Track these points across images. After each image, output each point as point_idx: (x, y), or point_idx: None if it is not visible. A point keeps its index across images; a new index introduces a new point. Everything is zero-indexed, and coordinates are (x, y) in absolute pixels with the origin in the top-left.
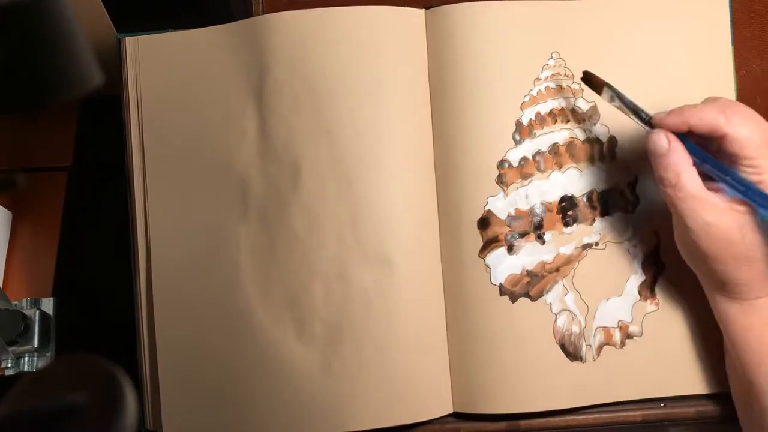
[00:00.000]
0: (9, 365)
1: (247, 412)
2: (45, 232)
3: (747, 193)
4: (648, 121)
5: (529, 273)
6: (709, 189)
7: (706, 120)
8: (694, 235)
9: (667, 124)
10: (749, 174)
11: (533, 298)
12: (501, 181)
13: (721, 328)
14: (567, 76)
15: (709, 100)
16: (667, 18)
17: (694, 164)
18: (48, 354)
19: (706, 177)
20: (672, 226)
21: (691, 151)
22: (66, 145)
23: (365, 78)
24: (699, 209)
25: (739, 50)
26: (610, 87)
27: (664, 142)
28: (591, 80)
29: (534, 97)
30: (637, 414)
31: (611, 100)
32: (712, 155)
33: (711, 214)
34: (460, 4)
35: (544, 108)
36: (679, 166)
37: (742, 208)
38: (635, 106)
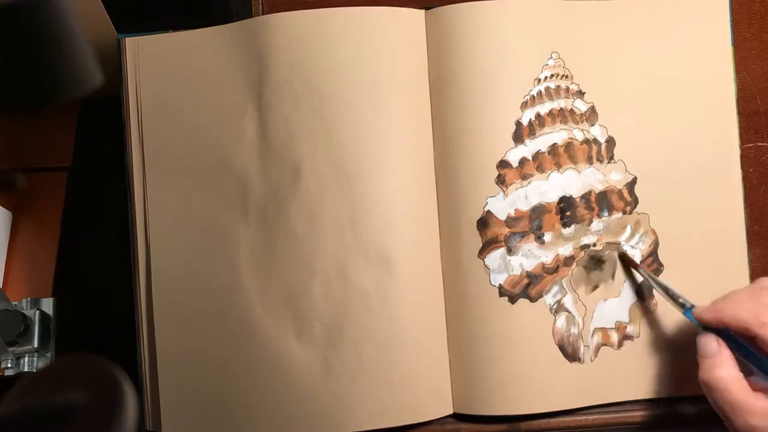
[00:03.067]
0: (9, 365)
1: (246, 412)
2: (45, 232)
3: None
4: (687, 310)
5: (528, 274)
6: (754, 389)
7: (740, 321)
8: None
9: (702, 319)
10: None
11: (533, 299)
12: (500, 181)
13: None
14: (566, 77)
15: (746, 293)
16: (667, 18)
17: (739, 359)
18: (48, 354)
19: (748, 371)
20: (672, 227)
21: (736, 347)
22: (66, 145)
23: (365, 78)
24: (745, 414)
25: (739, 50)
26: (644, 271)
27: (713, 344)
28: (626, 260)
29: (534, 97)
30: (637, 414)
31: (649, 281)
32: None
33: (757, 420)
34: (459, 5)
35: (544, 108)
36: (725, 370)
37: None
38: (673, 292)
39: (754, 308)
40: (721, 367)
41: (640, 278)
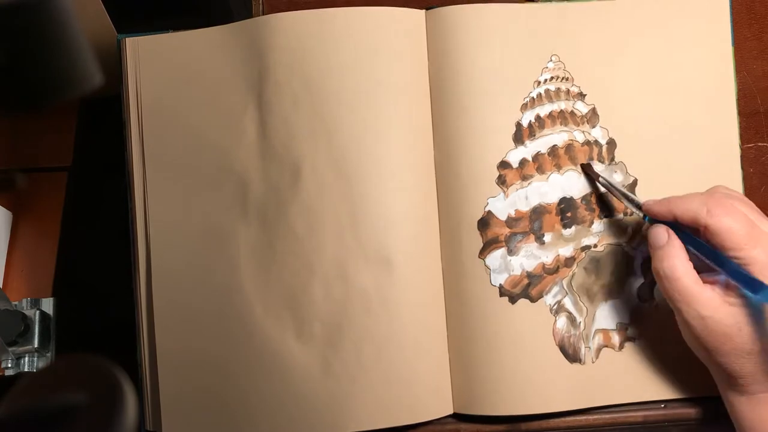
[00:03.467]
0: (9, 365)
1: (246, 412)
2: (45, 232)
3: (739, 279)
4: (640, 209)
5: (528, 274)
6: (705, 282)
7: (690, 211)
8: (693, 329)
9: (653, 212)
10: (735, 260)
11: (533, 300)
12: (501, 182)
13: (733, 421)
14: (566, 79)
15: (699, 193)
16: (667, 19)
17: (691, 255)
18: (48, 354)
19: (703, 269)
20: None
21: (687, 240)
22: (66, 145)
23: (365, 78)
24: (694, 303)
25: (739, 50)
26: (602, 178)
27: (663, 234)
28: (588, 170)
29: (533, 99)
30: (638, 415)
31: (607, 188)
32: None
33: (706, 308)
34: (460, 6)
35: (544, 110)
36: (675, 260)
37: (737, 300)
38: (627, 194)
39: (704, 200)
40: (672, 257)
41: (602, 189)
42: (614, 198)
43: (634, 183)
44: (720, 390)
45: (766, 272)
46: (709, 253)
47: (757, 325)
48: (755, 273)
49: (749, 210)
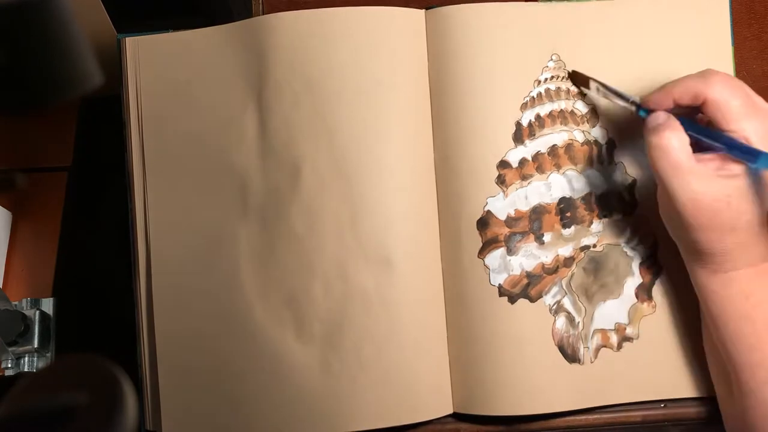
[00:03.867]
0: (9, 365)
1: (246, 412)
2: (45, 232)
3: (737, 149)
4: (637, 105)
5: (528, 274)
6: (698, 160)
7: (688, 89)
8: (681, 205)
9: (653, 100)
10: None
11: (533, 300)
12: (501, 181)
13: (701, 301)
14: (566, 78)
15: (693, 74)
16: (667, 18)
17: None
18: (48, 354)
19: (694, 149)
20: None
21: (685, 124)
22: (66, 145)
23: (365, 78)
24: (687, 176)
25: (739, 50)
26: (594, 80)
27: (661, 115)
28: (577, 78)
29: (533, 98)
30: (637, 414)
31: (597, 91)
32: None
33: (699, 183)
34: (460, 5)
35: (544, 110)
36: (671, 132)
37: (730, 174)
38: (621, 93)
39: (700, 76)
40: (670, 130)
41: (594, 91)
42: (613, 200)
43: (633, 183)
44: (689, 270)
45: (765, 143)
46: (706, 133)
47: (746, 199)
48: (754, 144)
49: (745, 85)
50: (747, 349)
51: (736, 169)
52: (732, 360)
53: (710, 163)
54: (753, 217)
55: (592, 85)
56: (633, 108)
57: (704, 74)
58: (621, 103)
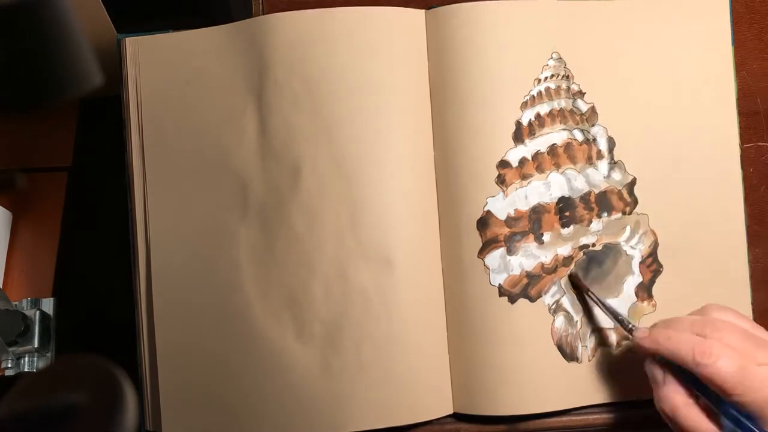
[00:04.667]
0: (9, 365)
1: (246, 412)
2: (45, 232)
3: (741, 427)
4: (630, 330)
5: (527, 274)
6: (710, 416)
7: (677, 357)
8: None
9: (641, 347)
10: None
11: (532, 299)
12: (500, 181)
13: None
14: (567, 77)
15: (687, 324)
16: (667, 18)
17: (693, 393)
18: (48, 354)
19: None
20: (672, 227)
21: (688, 380)
22: (66, 145)
23: (365, 78)
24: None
25: (739, 50)
26: (592, 294)
27: (659, 374)
28: (576, 282)
29: (534, 97)
30: (637, 414)
31: (592, 301)
32: None
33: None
34: (460, 5)
35: (544, 109)
36: (674, 401)
37: None
38: (617, 314)
39: (690, 343)
40: (670, 399)
41: (589, 302)
42: (613, 199)
43: (633, 182)
44: None
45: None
46: (706, 394)
47: None
48: (757, 414)
49: (743, 335)
50: None
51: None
52: None
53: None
54: None
55: (591, 296)
56: (627, 333)
57: (694, 343)
58: (614, 322)
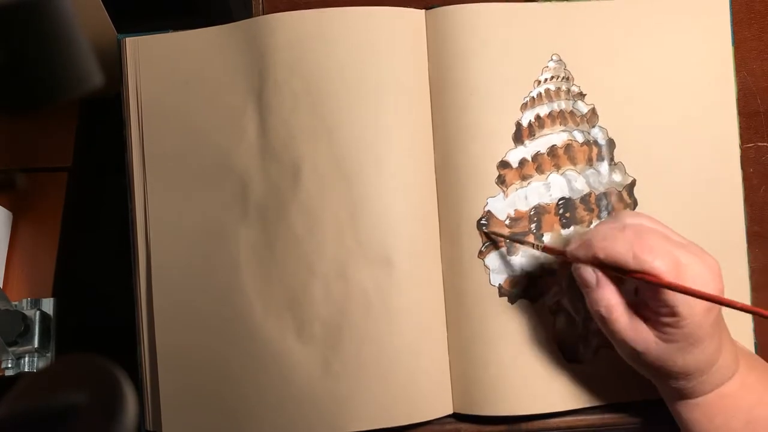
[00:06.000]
0: (9, 365)
1: (246, 412)
2: (45, 232)
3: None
4: (540, 248)
5: (528, 274)
6: (638, 314)
7: (614, 258)
8: (631, 361)
9: (575, 256)
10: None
11: (533, 300)
12: (501, 182)
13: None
14: (567, 79)
15: (618, 229)
16: (667, 18)
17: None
18: (48, 354)
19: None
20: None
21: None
22: (66, 145)
23: (365, 78)
24: (629, 342)
25: (739, 50)
26: (504, 237)
27: (591, 276)
28: (486, 233)
29: (534, 99)
30: (637, 414)
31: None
32: None
33: (641, 345)
34: (460, 6)
35: (544, 110)
36: (610, 300)
37: (670, 336)
38: (522, 239)
39: (628, 243)
40: (605, 299)
41: (499, 242)
42: (613, 200)
43: (633, 183)
44: (667, 403)
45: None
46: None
47: (689, 355)
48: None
49: (663, 237)
50: None
51: (675, 333)
52: None
53: (651, 322)
54: (686, 360)
55: (489, 233)
56: (537, 250)
57: (630, 241)
58: (524, 246)
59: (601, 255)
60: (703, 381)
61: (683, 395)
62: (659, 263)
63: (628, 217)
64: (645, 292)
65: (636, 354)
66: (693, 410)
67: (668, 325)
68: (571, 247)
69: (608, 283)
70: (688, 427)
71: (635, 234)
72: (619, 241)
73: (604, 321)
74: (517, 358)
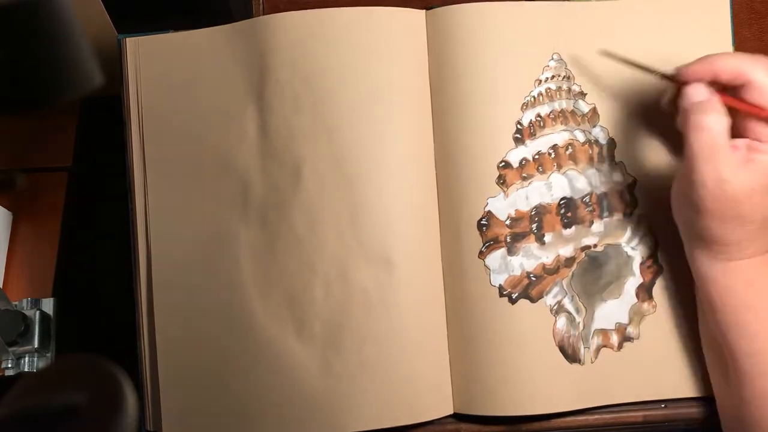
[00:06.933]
0: (9, 365)
1: (246, 412)
2: (45, 232)
3: None
4: (672, 77)
5: (528, 274)
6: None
7: (732, 65)
8: (706, 190)
9: (694, 70)
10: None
11: (533, 300)
12: (501, 182)
13: (700, 289)
14: (568, 78)
15: (733, 52)
16: (667, 18)
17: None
18: (48, 354)
19: None
20: (670, 225)
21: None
22: (66, 145)
23: (366, 78)
24: (718, 162)
25: (739, 50)
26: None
27: (703, 90)
28: (609, 55)
29: (534, 98)
30: (638, 415)
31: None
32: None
33: (730, 171)
34: (460, 5)
35: (545, 109)
36: (716, 114)
37: (759, 162)
38: (654, 68)
39: (749, 57)
40: (714, 111)
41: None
42: (614, 200)
43: (633, 183)
44: (691, 254)
45: None
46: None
47: (766, 194)
48: None
49: None
50: (748, 337)
51: (763, 161)
52: (731, 349)
53: (739, 152)
54: None
55: (618, 58)
56: (668, 80)
57: (749, 57)
58: (654, 76)
59: (717, 66)
60: (761, 236)
61: (724, 252)
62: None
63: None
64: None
65: (718, 181)
66: (731, 273)
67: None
68: (683, 67)
69: (718, 99)
70: (718, 296)
71: (753, 54)
72: (736, 53)
73: (706, 131)
74: (517, 359)
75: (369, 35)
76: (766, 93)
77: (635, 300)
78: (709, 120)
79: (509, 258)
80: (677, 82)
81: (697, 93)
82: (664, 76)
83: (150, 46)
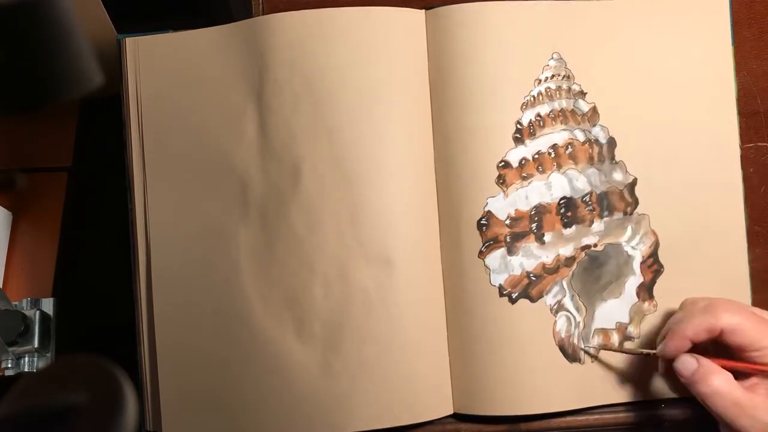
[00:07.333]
0: (9, 365)
1: (246, 412)
2: (45, 232)
3: None
4: (658, 356)
5: (528, 274)
6: (745, 389)
7: (700, 327)
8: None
9: (673, 347)
10: (757, 359)
11: (533, 299)
12: (501, 181)
13: None
14: (568, 77)
15: (688, 309)
16: (667, 18)
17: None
18: (48, 354)
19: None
20: (672, 228)
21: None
22: (66, 145)
23: (365, 78)
24: (751, 411)
25: (739, 50)
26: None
27: (691, 361)
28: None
29: (534, 97)
30: (638, 414)
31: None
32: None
33: (764, 412)
34: (460, 5)
35: (544, 109)
36: (718, 376)
37: None
38: (634, 351)
39: (704, 310)
40: (713, 375)
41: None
42: (614, 199)
43: (634, 182)
44: None
45: None
46: (739, 361)
47: None
48: None
49: (746, 305)
50: None
51: None
52: None
53: (759, 387)
54: None
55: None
56: (651, 356)
57: (708, 308)
58: (636, 355)
59: (689, 333)
60: None
61: None
62: (738, 317)
63: (699, 300)
64: (736, 349)
65: (762, 425)
66: None
67: None
68: (661, 347)
69: (709, 361)
70: None
71: (706, 303)
72: (697, 313)
73: (721, 395)
74: (517, 358)
75: (368, 35)
76: (740, 333)
77: (636, 299)
78: (714, 385)
79: (509, 258)
80: (664, 359)
81: (687, 366)
82: (651, 356)
83: (150, 46)
